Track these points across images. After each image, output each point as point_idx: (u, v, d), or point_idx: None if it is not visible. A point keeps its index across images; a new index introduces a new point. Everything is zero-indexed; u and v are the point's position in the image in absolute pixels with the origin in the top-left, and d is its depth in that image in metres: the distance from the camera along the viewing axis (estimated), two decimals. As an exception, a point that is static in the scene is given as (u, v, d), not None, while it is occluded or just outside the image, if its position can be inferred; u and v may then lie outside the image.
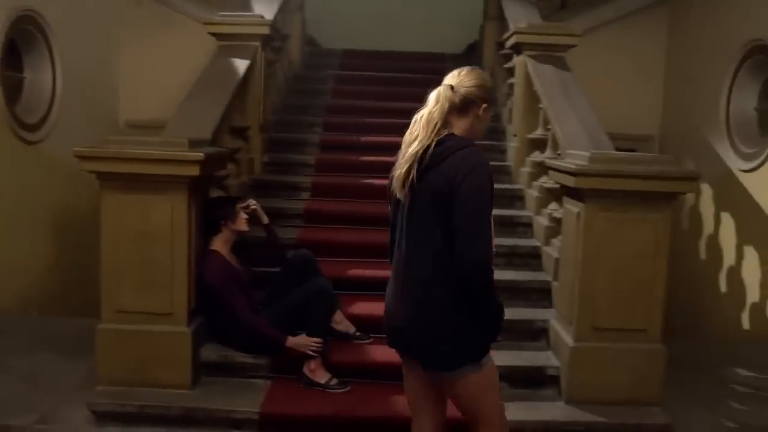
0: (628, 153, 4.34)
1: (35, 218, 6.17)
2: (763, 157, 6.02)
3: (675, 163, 4.04)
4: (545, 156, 5.26)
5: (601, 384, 3.97)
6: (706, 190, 6.96)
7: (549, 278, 4.80)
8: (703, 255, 6.97)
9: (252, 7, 6.25)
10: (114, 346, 3.97)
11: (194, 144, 3.94)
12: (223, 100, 4.93)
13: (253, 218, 4.45)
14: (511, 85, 6.42)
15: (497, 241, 5.16)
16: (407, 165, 2.57)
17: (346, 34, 9.23)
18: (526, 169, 5.76)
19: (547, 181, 5.05)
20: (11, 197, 5.86)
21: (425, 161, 2.54)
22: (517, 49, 6.00)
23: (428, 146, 2.56)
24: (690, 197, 7.21)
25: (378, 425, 3.85)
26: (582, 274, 3.96)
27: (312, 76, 7.98)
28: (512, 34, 6.01)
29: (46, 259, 6.32)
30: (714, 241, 6.76)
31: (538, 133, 5.60)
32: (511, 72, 6.43)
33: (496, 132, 6.80)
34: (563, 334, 4.17)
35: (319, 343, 4.07)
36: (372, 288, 4.83)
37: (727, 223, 6.56)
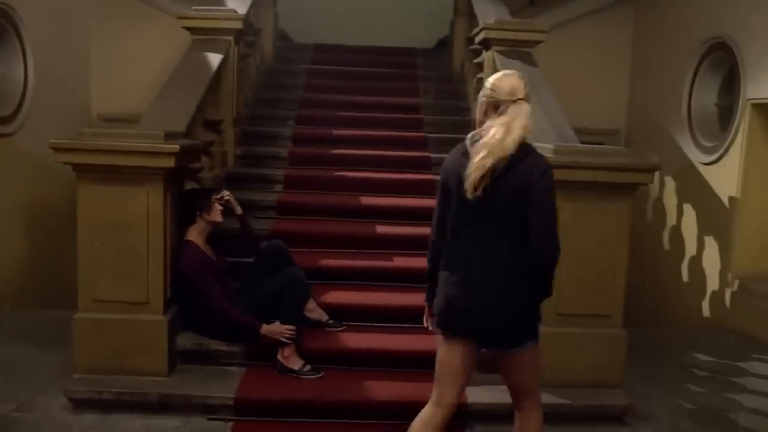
0: (592, 146, 4.49)
1: (6, 211, 6.16)
2: (722, 151, 6.22)
3: (636, 156, 4.19)
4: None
5: (565, 368, 4.11)
6: (669, 183, 7.16)
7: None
8: (666, 245, 7.17)
9: (225, 1, 6.28)
10: (91, 335, 4.01)
11: (169, 136, 4.00)
12: (196, 94, 4.98)
13: (227, 209, 4.53)
14: (481, 80, 6.52)
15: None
16: (485, 169, 2.74)
17: (318, 29, 9.30)
18: (495, 162, 5.87)
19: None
20: (-17, 190, 5.86)
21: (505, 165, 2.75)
22: (486, 44, 6.13)
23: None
24: (654, 190, 7.41)
25: (350, 410, 3.95)
26: (547, 262, 4.09)
27: (284, 70, 8.03)
28: (481, 30, 6.13)
29: (18, 252, 6.33)
30: (677, 231, 6.96)
31: (506, 126, 5.71)
32: (480, 67, 6.54)
33: (466, 125, 6.91)
34: (529, 321, 4.29)
35: (292, 330, 4.16)
36: (344, 277, 4.96)
37: (689, 214, 6.76)
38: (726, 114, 6.48)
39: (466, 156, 2.85)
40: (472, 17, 6.99)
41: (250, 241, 4.69)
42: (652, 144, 7.49)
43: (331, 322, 4.55)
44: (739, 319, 5.84)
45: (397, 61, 8.41)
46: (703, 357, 5.20)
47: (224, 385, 4.01)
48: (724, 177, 6.18)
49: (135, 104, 6.82)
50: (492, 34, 5.96)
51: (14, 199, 6.29)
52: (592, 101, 7.92)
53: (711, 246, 6.34)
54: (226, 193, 4.58)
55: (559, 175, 3.94)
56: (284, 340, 4.16)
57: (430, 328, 3.20)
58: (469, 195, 2.79)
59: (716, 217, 6.27)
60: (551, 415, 3.56)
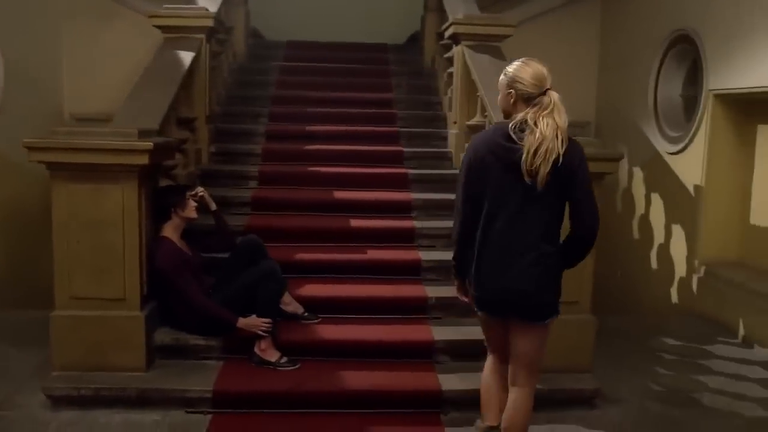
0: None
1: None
2: (687, 141, 6.35)
3: (601, 146, 4.30)
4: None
5: (536, 353, 4.20)
6: (638, 173, 7.30)
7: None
8: (636, 234, 7.31)
9: (196, 0, 6.32)
10: (68, 332, 4.04)
11: (143, 134, 4.04)
12: (169, 92, 5.02)
13: (202, 206, 4.58)
14: (451, 74, 6.63)
15: (441, 224, 5.39)
16: (550, 164, 2.90)
17: (289, 26, 9.34)
18: (466, 155, 5.96)
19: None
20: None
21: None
22: (455, 39, 6.22)
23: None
24: (623, 180, 7.55)
25: (327, 400, 4.03)
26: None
27: (256, 67, 8.07)
28: (450, 25, 6.23)
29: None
30: (645, 220, 7.10)
31: (477, 120, 5.81)
32: (451, 62, 6.64)
33: (437, 120, 7.03)
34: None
35: (269, 323, 4.23)
36: (319, 271, 5.03)
37: (657, 203, 6.90)
38: (691, 105, 6.61)
39: (509, 140, 2.98)
40: (442, 12, 7.07)
41: (225, 236, 4.74)
42: (621, 135, 7.63)
43: (306, 314, 4.62)
44: (705, 305, 5.98)
45: (369, 56, 8.47)
46: (670, 341, 5.33)
47: (202, 379, 4.06)
48: (690, 166, 6.31)
49: (107, 103, 6.80)
50: (461, 29, 6.05)
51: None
52: (563, 94, 7.94)
53: (678, 234, 6.48)
54: (200, 190, 4.63)
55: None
56: (261, 333, 4.22)
57: (465, 299, 3.39)
58: (527, 179, 2.92)
59: (683, 206, 6.40)
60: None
